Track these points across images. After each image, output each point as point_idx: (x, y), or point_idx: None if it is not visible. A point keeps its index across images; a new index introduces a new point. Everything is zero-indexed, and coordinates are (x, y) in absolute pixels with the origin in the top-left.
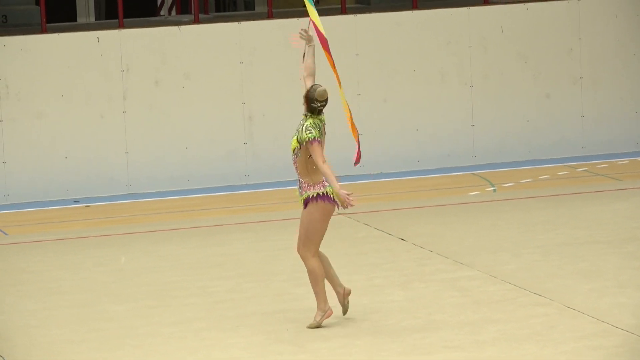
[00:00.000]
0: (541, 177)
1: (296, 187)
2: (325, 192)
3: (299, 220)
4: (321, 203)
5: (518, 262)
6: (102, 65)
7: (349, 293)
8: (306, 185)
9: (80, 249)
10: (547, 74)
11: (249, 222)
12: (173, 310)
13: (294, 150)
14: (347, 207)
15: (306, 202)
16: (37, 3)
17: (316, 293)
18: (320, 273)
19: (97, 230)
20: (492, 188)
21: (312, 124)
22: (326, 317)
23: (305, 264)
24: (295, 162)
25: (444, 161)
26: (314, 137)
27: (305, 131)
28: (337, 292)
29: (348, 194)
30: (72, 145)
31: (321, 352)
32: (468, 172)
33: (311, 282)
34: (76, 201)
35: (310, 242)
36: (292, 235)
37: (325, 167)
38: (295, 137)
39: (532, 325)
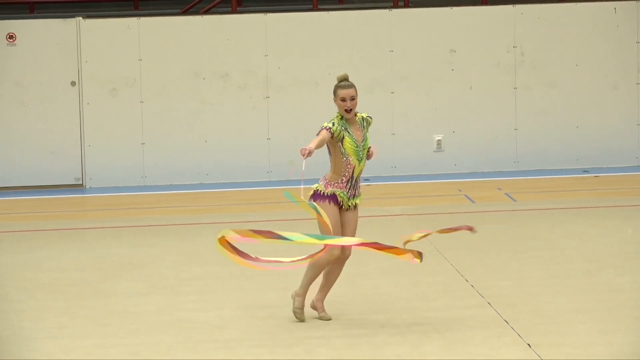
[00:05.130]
0: None
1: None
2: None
3: (343, 220)
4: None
5: None
6: (618, 36)
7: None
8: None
9: (586, 218)
10: None
11: None
12: None
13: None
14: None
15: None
16: None
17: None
18: None
19: (604, 201)
20: None
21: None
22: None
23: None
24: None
25: None
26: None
27: (365, 115)
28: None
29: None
30: (584, 114)
31: None
32: None
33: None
34: (585, 171)
35: None
36: None
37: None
38: (368, 135)
39: None
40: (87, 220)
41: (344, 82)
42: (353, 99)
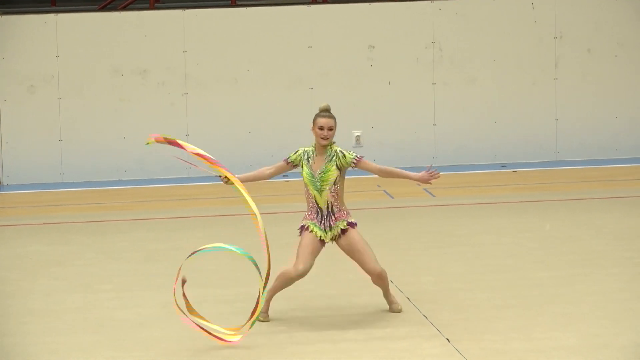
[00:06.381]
0: None
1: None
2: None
3: (344, 249)
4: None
5: None
6: (536, 31)
7: None
8: (345, 212)
9: (504, 213)
10: None
11: None
12: (595, 279)
13: (334, 182)
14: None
15: (351, 225)
16: None
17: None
18: None
19: (522, 196)
20: None
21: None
22: None
23: (384, 274)
24: (333, 193)
25: None
26: (358, 155)
27: (347, 153)
28: None
29: (431, 174)
30: (502, 110)
31: None
32: None
33: (386, 283)
34: (504, 166)
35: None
36: None
37: (390, 168)
38: (333, 167)
39: None
40: (5, 217)
41: (324, 112)
42: (331, 129)
